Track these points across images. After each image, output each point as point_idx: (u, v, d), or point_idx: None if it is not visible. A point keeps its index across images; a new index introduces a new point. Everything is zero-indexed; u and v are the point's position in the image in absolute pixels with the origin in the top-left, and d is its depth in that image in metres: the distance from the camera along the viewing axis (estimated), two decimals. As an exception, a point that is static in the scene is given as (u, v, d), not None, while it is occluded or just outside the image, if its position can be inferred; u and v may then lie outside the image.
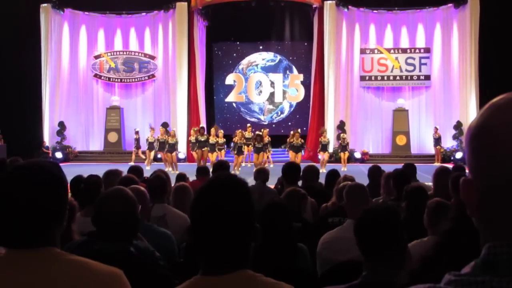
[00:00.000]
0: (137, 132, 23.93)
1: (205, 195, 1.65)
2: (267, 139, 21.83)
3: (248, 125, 24.61)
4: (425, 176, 15.30)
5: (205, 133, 22.48)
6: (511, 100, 1.00)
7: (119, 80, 28.05)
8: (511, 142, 0.95)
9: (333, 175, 7.48)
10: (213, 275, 1.61)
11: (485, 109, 1.02)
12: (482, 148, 0.99)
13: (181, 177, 7.71)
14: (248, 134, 22.59)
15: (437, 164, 22.46)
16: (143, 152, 23.26)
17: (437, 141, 24.37)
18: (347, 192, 4.35)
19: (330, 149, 24.78)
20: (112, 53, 28.03)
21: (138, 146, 23.64)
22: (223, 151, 22.19)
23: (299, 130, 22.30)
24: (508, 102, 1.00)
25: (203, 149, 21.44)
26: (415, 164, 8.32)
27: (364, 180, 6.52)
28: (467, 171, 1.08)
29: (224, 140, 22.40)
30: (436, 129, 24.58)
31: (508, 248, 0.96)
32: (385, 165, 18.55)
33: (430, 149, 26.05)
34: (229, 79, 31.72)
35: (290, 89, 31.54)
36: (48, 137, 26.32)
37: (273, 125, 30.79)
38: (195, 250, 1.65)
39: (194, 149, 21.89)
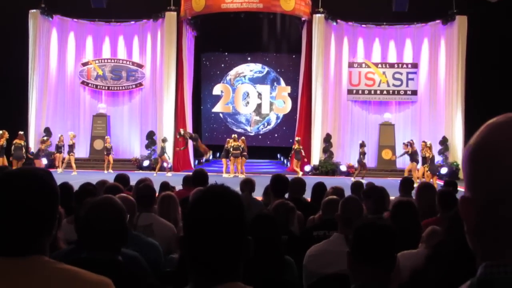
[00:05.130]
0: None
1: (200, 206, 1.64)
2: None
3: (234, 135, 24.68)
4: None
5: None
6: (509, 118, 1.02)
7: (106, 87, 27.93)
8: (510, 156, 0.97)
9: (319, 188, 7.44)
10: (204, 287, 1.60)
11: (483, 127, 1.05)
12: (482, 163, 1.01)
13: (165, 186, 7.63)
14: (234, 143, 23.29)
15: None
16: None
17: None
18: (344, 203, 4.26)
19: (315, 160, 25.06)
20: (100, 60, 27.92)
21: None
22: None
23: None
24: (507, 120, 1.02)
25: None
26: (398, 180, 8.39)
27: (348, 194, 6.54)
28: (461, 189, 1.10)
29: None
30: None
31: (504, 268, 0.97)
32: (371, 178, 18.69)
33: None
34: (217, 90, 31.79)
35: (277, 101, 31.66)
36: (33, 143, 26.09)
37: (260, 136, 30.85)
38: (186, 261, 1.64)
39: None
